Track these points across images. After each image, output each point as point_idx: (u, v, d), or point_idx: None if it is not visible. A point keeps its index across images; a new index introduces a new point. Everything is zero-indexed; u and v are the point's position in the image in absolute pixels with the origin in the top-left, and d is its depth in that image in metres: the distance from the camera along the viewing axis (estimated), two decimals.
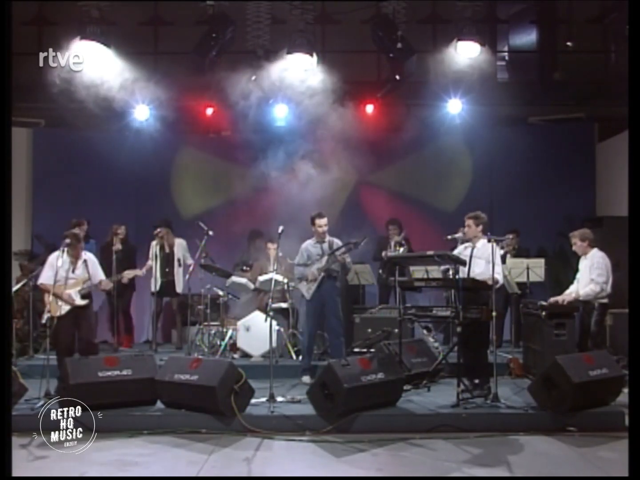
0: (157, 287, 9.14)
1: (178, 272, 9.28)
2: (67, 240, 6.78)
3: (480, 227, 6.64)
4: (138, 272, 8.08)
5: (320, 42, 10.14)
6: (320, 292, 7.29)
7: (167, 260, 9.25)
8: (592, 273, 6.99)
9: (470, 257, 6.49)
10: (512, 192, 10.42)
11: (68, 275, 6.79)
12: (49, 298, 6.71)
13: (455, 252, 6.77)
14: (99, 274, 7.05)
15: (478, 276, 6.37)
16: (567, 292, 7.22)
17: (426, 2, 10.53)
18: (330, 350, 7.59)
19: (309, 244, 7.53)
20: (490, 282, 6.16)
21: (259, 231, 9.52)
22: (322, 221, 7.35)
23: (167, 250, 9.28)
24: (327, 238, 7.46)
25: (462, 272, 6.37)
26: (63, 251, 6.76)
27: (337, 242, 7.46)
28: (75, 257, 6.90)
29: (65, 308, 6.80)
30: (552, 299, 7.22)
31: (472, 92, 9.67)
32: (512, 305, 8.88)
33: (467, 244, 6.77)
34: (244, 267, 9.18)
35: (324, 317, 7.39)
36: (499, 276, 6.31)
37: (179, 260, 9.28)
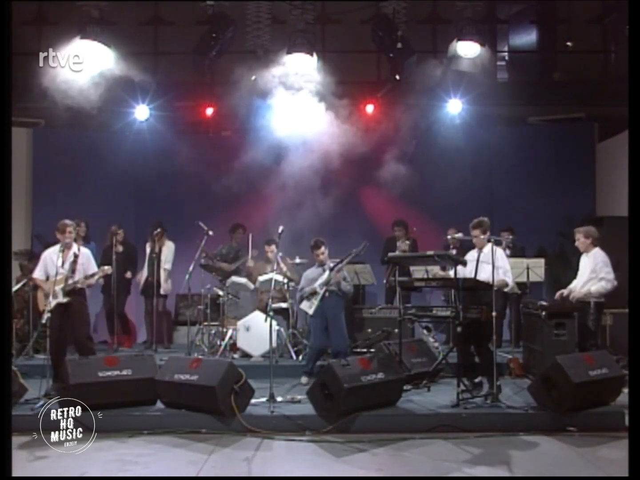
0: (141, 287, 9.35)
1: (162, 274, 9.22)
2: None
3: (488, 233, 6.60)
4: (107, 270, 7.06)
5: (320, 42, 10.15)
6: (323, 308, 7.26)
7: (156, 261, 9.18)
8: (600, 272, 6.92)
9: (477, 260, 6.49)
10: (512, 192, 10.41)
11: (57, 271, 6.62)
12: (40, 293, 6.70)
13: (468, 256, 6.76)
14: (90, 269, 6.75)
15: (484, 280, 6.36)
16: (571, 286, 7.16)
17: (426, 2, 10.55)
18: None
19: (311, 269, 7.62)
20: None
21: (240, 224, 9.55)
22: (319, 250, 7.47)
23: (156, 251, 9.25)
24: (328, 262, 7.47)
25: (461, 272, 6.36)
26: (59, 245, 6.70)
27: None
28: (66, 249, 6.68)
29: (52, 303, 6.56)
30: (559, 293, 7.11)
31: (472, 92, 9.68)
32: (512, 305, 8.87)
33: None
34: (218, 259, 9.12)
35: (328, 333, 7.34)
36: (509, 280, 6.33)
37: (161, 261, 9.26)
